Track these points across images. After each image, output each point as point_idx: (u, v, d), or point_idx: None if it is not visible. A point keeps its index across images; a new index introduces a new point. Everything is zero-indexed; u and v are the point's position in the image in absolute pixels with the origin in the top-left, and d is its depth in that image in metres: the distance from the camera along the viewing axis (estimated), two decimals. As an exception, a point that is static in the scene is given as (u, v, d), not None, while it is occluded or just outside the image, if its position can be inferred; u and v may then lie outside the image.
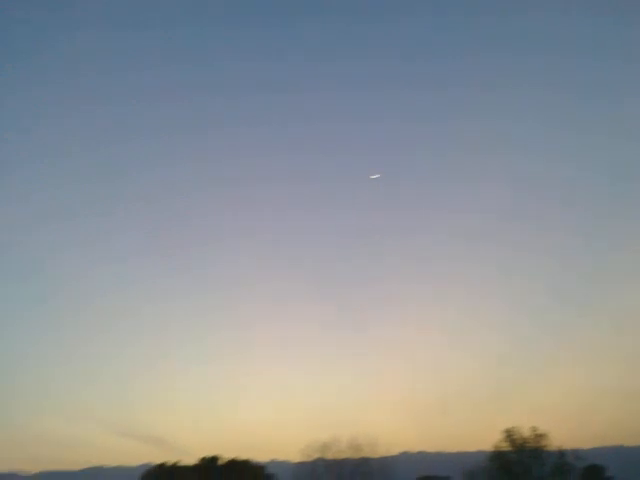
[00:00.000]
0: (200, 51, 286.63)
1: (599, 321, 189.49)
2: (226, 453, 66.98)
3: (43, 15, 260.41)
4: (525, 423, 66.23)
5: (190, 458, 67.02)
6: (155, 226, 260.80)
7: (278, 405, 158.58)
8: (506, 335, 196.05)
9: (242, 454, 67.48)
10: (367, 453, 67.05)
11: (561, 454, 61.82)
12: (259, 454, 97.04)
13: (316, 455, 66.33)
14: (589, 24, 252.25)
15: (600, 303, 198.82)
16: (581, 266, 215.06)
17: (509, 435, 63.93)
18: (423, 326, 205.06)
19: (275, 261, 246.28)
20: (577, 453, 62.35)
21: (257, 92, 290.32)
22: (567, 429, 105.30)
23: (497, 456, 63.54)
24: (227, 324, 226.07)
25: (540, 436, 63.06)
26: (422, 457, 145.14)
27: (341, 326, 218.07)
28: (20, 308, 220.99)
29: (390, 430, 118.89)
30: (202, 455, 66.09)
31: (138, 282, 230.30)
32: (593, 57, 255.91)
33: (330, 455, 66.75)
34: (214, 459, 64.78)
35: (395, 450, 74.72)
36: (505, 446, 63.89)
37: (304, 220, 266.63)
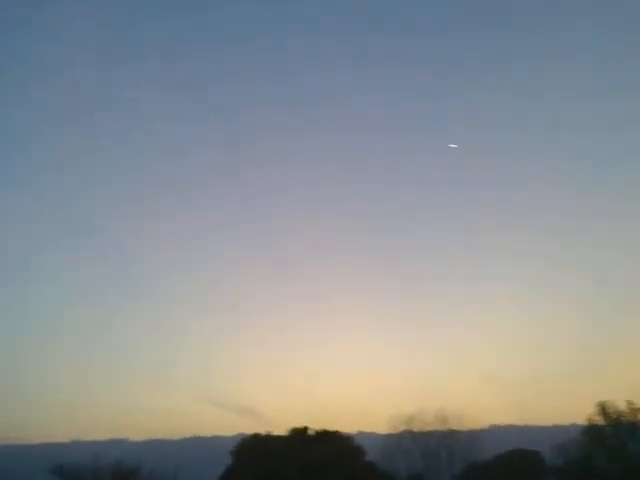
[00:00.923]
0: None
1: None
2: (315, 424, 69.20)
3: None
4: (620, 396, 63.89)
5: (280, 429, 69.88)
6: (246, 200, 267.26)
7: (364, 377, 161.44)
8: (600, 304, 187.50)
9: (330, 425, 69.43)
10: (454, 425, 67.27)
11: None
12: (346, 425, 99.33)
13: (402, 427, 67.35)
14: None
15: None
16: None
17: (603, 408, 61.89)
18: (511, 297, 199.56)
19: (355, 234, 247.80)
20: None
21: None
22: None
23: (590, 430, 61.79)
24: (313, 295, 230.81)
25: (637, 410, 60.72)
26: (511, 430, 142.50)
27: (428, 297, 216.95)
28: (103, 286, 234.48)
29: (478, 402, 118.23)
30: (292, 426, 68.59)
31: (222, 255, 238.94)
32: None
33: (416, 427, 67.57)
34: (304, 430, 67.20)
35: (483, 423, 74.41)
36: (599, 420, 62.01)
37: (388, 193, 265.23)
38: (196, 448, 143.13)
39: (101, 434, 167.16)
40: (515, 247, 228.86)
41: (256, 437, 67.12)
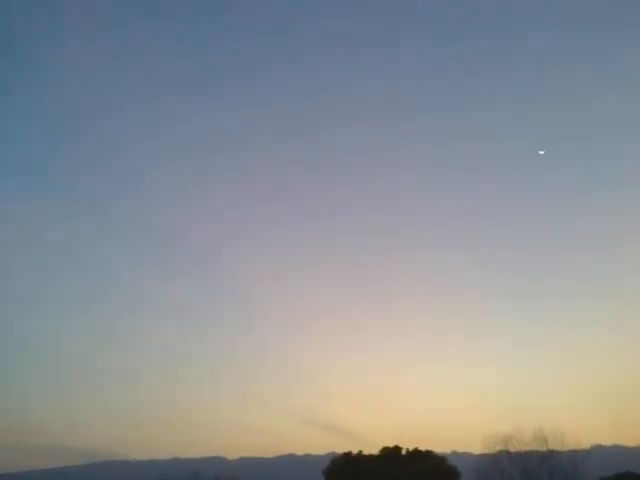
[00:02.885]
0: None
1: None
2: (407, 443, 68.68)
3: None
4: None
5: (372, 448, 69.90)
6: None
7: (458, 394, 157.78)
8: None
9: (423, 445, 68.66)
10: (554, 445, 64.38)
11: None
12: (440, 445, 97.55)
13: (498, 447, 65.20)
14: None
15: None
16: None
17: None
18: (610, 315, 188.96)
19: (453, 258, 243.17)
20: None
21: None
22: None
23: None
24: (407, 313, 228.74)
25: None
26: (618, 451, 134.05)
27: (524, 314, 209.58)
28: (190, 302, 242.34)
29: (581, 421, 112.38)
30: (384, 445, 68.41)
31: (303, 271, 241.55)
32: None
33: (513, 447, 65.22)
34: (396, 449, 66.84)
35: (586, 443, 70.60)
36: None
37: (482, 200, 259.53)
38: (289, 466, 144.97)
39: (199, 451, 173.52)
40: (610, 265, 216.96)
41: (347, 456, 67.48)
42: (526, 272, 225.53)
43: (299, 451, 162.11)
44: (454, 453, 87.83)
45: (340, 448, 71.86)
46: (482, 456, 66.07)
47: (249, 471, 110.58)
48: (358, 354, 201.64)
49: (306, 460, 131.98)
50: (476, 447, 68.77)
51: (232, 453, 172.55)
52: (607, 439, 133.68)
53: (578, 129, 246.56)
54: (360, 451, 69.17)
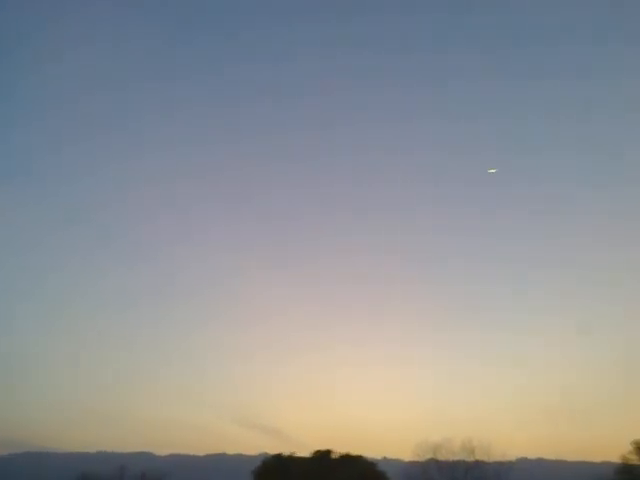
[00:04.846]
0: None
1: None
2: (339, 448, 68.63)
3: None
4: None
5: (304, 450, 69.52)
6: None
7: (392, 403, 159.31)
8: (626, 343, 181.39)
9: (355, 450, 68.76)
10: (481, 456, 65.69)
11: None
12: (371, 451, 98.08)
13: (428, 455, 66.07)
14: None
15: None
16: None
17: (639, 447, 59.83)
18: (545, 330, 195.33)
19: (389, 260, 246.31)
20: None
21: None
22: None
23: (625, 469, 59.67)
24: (345, 319, 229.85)
25: (675, 451, 58.44)
26: (540, 464, 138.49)
27: (460, 327, 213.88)
28: (139, 297, 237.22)
29: (507, 434, 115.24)
30: (316, 448, 68.14)
31: (250, 272, 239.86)
32: None
33: (442, 456, 66.19)
34: (327, 453, 66.66)
35: (511, 455, 72.39)
36: (634, 459, 59.89)
37: (422, 218, 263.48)
38: (219, 465, 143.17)
39: (127, 446, 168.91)
40: (547, 279, 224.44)
41: (279, 457, 66.87)
42: (465, 284, 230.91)
43: (231, 450, 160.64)
44: (385, 459, 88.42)
45: (273, 449, 71.26)
46: (412, 463, 66.76)
47: (178, 468, 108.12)
48: (297, 356, 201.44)
49: (237, 460, 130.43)
50: (407, 454, 69.49)
51: (162, 449, 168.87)
52: (532, 452, 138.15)
53: (529, 146, 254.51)
54: (292, 453, 68.72)
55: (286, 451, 68.93)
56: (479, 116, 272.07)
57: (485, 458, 65.44)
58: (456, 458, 66.04)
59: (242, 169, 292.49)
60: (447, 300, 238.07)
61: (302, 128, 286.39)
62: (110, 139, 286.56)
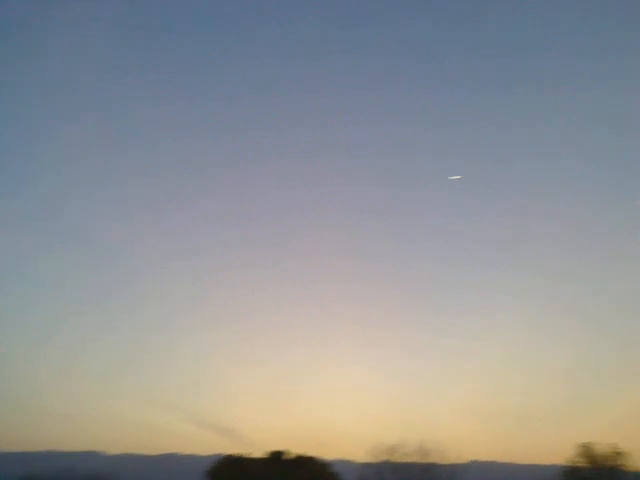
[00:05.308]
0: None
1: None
2: (293, 448, 68.19)
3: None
4: (604, 439, 63.29)
5: (258, 451, 68.81)
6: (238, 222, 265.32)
7: (347, 404, 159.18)
8: (593, 344, 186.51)
9: (309, 451, 68.44)
10: (435, 459, 66.33)
11: (640, 475, 58.72)
12: (325, 452, 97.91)
13: (382, 457, 66.29)
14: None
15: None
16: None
17: (585, 450, 61.33)
18: (497, 334, 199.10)
19: (348, 261, 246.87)
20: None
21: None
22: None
23: (571, 472, 61.06)
24: (300, 320, 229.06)
25: (619, 454, 60.06)
26: (492, 467, 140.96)
27: (416, 330, 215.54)
28: (98, 294, 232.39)
29: (461, 437, 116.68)
30: (270, 449, 67.56)
31: (212, 274, 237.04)
32: None
33: (397, 458, 66.53)
34: (281, 453, 66.15)
35: (465, 458, 73.37)
36: (581, 462, 61.34)
37: (378, 222, 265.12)
38: (171, 465, 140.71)
39: (76, 445, 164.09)
40: (505, 283, 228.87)
41: (232, 458, 66.03)
42: (423, 285, 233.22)
43: (184, 450, 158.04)
44: (340, 460, 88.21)
45: (227, 450, 70.27)
46: (366, 465, 66.83)
47: (128, 467, 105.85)
48: (256, 357, 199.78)
49: (190, 460, 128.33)
50: (361, 456, 69.55)
51: (111, 448, 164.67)
52: (485, 455, 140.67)
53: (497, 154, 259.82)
54: (246, 453, 67.97)
55: (240, 452, 68.20)
56: (444, 121, 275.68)
57: (439, 460, 66.13)
58: (410, 460, 66.52)
59: (222, 166, 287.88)
60: (403, 301, 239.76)
61: (293, 124, 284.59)
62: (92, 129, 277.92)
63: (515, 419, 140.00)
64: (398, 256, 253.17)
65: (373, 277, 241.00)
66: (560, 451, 67.34)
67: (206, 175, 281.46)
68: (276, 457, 65.87)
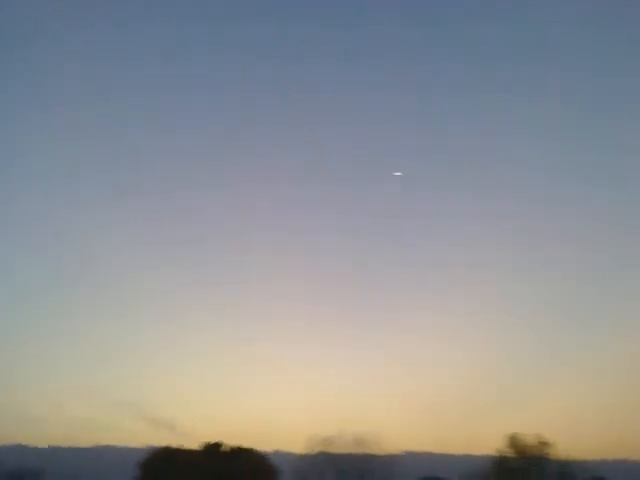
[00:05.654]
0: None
1: (611, 333, 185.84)
2: (230, 440, 67.61)
3: None
4: (531, 430, 65.89)
5: (194, 443, 67.82)
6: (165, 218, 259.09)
7: (284, 396, 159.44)
8: (518, 339, 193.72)
9: (246, 442, 68.00)
10: (371, 450, 67.33)
11: (565, 464, 61.42)
12: (263, 444, 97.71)
13: (319, 448, 66.76)
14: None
15: (611, 314, 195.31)
16: (593, 274, 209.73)
17: (513, 441, 63.66)
18: (431, 328, 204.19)
19: (281, 259, 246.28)
20: (581, 464, 61.89)
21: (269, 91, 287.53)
22: (572, 439, 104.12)
23: (498, 461, 63.30)
24: (239, 315, 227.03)
25: (544, 444, 62.67)
26: (427, 458, 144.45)
27: (350, 325, 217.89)
28: (31, 286, 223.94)
29: (397, 428, 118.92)
30: (206, 441, 66.73)
31: (150, 269, 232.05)
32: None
33: (333, 449, 67.15)
34: (217, 445, 65.44)
35: (400, 449, 74.86)
36: (508, 452, 63.65)
37: (310, 219, 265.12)
38: (104, 457, 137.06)
39: (3, 439, 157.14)
40: (437, 280, 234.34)
41: (166, 450, 64.74)
42: (358, 281, 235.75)
43: (117, 442, 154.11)
44: (277, 452, 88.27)
45: (163, 442, 68.84)
46: (302, 457, 67.11)
47: (58, 461, 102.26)
48: (193, 348, 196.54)
49: (123, 452, 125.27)
50: (298, 448, 69.79)
51: (41, 441, 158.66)
52: (420, 446, 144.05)
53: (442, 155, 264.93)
54: (181, 445, 66.82)
55: (175, 443, 67.03)
56: (386, 122, 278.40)
57: (375, 451, 67.17)
58: (347, 451, 67.27)
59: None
60: (339, 297, 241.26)
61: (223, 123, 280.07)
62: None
63: (449, 410, 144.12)
64: (337, 253, 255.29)
65: (309, 273, 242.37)
66: (492, 442, 69.93)
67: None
68: (212, 449, 65.11)
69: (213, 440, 66.83)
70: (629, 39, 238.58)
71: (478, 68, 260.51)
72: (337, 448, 66.97)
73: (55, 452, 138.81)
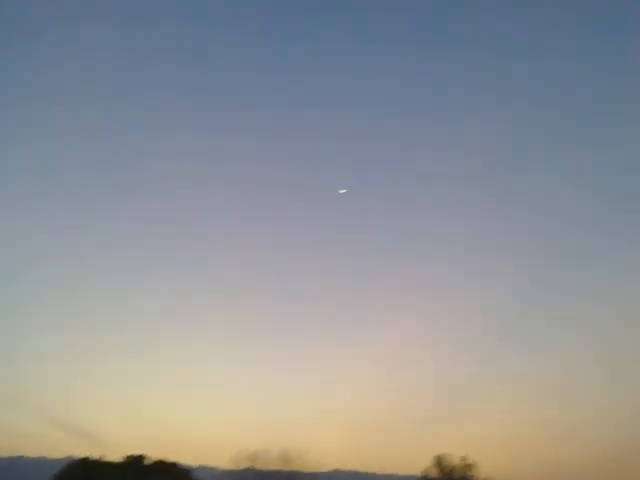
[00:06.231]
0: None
1: (536, 353, 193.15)
2: (154, 453, 65.44)
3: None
4: (457, 451, 67.15)
5: (116, 455, 65.18)
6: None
7: (212, 410, 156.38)
8: (441, 362, 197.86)
9: (171, 456, 66.00)
10: (298, 466, 66.70)
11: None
12: (188, 458, 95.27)
13: (245, 464, 65.59)
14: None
15: (538, 336, 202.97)
16: (520, 299, 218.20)
17: (439, 462, 64.70)
18: (359, 345, 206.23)
19: (225, 267, 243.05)
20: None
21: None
22: (495, 461, 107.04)
23: (423, 481, 64.21)
24: (165, 330, 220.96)
25: (469, 466, 64.05)
26: (353, 476, 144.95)
27: (281, 342, 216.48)
28: None
29: (325, 445, 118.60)
30: (129, 453, 64.31)
31: (69, 263, 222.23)
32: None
33: (260, 465, 66.09)
34: (140, 458, 63.10)
35: (327, 466, 74.62)
36: (434, 472, 64.58)
37: (256, 228, 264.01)
38: (18, 469, 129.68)
39: None
40: (369, 296, 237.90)
41: (85, 461, 61.83)
42: (282, 296, 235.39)
43: (31, 453, 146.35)
44: (202, 467, 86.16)
45: (81, 453, 65.72)
46: (227, 472, 65.81)
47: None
48: (118, 359, 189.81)
49: (38, 463, 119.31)
50: (224, 463, 68.37)
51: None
52: (347, 465, 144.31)
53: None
54: (101, 457, 64.01)
55: (95, 455, 64.15)
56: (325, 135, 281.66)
57: (302, 468, 66.61)
58: (273, 467, 66.36)
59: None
60: (267, 311, 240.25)
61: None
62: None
63: (378, 430, 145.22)
64: (263, 267, 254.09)
65: (236, 286, 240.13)
66: (418, 462, 70.68)
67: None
68: (135, 461, 62.71)
69: (136, 452, 64.45)
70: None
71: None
72: (263, 464, 66.00)
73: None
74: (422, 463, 65.64)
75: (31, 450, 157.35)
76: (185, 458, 68.94)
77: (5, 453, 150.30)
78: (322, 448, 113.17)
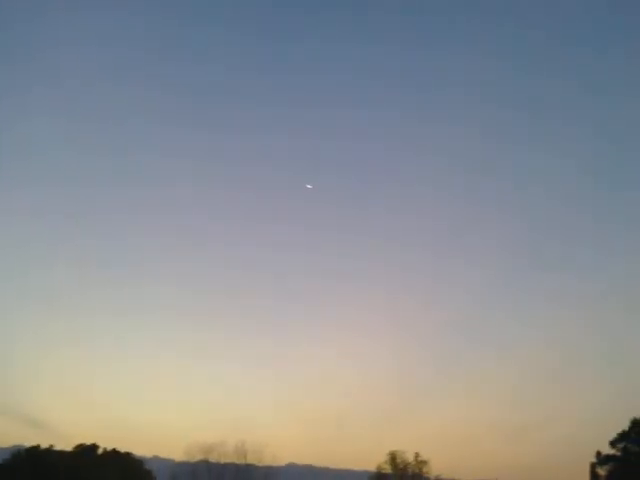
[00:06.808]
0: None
1: (493, 354, 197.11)
2: (107, 443, 64.40)
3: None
4: (411, 448, 68.08)
5: (67, 444, 63.92)
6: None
7: (168, 403, 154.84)
8: (400, 359, 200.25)
9: (124, 446, 65.04)
10: (252, 460, 66.35)
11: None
12: (142, 448, 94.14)
13: (199, 456, 64.98)
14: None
15: (496, 337, 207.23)
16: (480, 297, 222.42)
17: (392, 458, 65.46)
18: (319, 341, 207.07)
19: (181, 265, 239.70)
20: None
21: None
22: (448, 458, 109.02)
23: (378, 477, 64.85)
24: (126, 322, 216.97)
25: (422, 462, 65.00)
26: (308, 470, 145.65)
27: (241, 337, 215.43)
28: None
29: (280, 439, 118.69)
30: (80, 442, 63.14)
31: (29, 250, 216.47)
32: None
33: (214, 457, 65.57)
34: (92, 447, 62.02)
35: (282, 460, 74.43)
36: (387, 468, 65.33)
37: (204, 226, 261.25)
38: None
39: None
40: (323, 291, 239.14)
41: (34, 450, 60.38)
42: (238, 290, 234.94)
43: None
44: (155, 458, 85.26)
45: (30, 442, 64.12)
46: (181, 464, 65.12)
47: None
48: (72, 347, 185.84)
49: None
50: (178, 455, 67.66)
51: None
52: (302, 459, 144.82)
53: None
54: (51, 446, 62.59)
55: (45, 444, 62.72)
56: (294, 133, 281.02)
57: (256, 462, 66.32)
58: (227, 460, 65.94)
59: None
60: (227, 306, 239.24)
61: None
62: None
63: (334, 425, 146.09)
64: (222, 261, 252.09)
65: (193, 280, 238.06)
66: (373, 458, 71.24)
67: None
68: (86, 451, 61.63)
69: (88, 442, 63.34)
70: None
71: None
72: (217, 456, 65.50)
73: None
74: (376, 459, 66.29)
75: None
76: (139, 449, 68.20)
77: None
78: (278, 442, 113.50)
